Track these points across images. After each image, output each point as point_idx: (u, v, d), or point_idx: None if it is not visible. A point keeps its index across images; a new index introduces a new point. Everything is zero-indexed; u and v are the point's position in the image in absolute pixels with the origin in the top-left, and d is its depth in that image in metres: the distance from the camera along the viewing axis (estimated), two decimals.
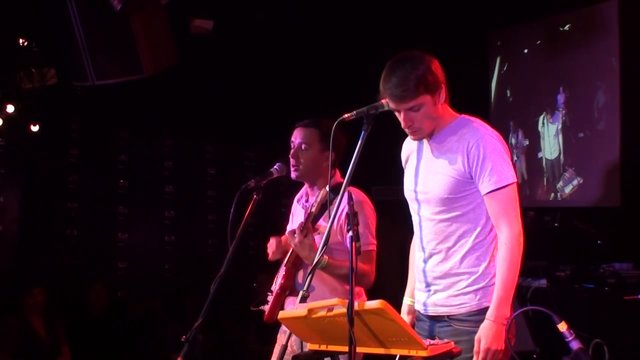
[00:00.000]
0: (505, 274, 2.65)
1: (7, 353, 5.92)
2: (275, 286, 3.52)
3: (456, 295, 2.75)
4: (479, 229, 2.75)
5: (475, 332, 2.68)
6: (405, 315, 2.98)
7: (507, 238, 2.67)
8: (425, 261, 2.85)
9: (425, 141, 2.87)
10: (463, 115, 2.84)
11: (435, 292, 2.80)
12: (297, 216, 3.65)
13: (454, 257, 2.76)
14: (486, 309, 2.69)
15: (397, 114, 2.75)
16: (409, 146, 2.99)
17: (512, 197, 2.69)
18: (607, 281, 5.01)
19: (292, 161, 3.48)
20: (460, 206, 2.74)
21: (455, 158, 2.73)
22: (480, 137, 2.71)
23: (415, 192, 2.86)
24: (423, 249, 2.86)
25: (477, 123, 2.81)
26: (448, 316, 2.77)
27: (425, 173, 2.83)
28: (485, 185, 2.69)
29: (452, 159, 2.74)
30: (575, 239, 5.66)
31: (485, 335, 2.61)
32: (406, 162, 2.98)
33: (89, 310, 6.78)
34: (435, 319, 2.82)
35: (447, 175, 2.74)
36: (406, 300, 3.02)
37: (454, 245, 2.76)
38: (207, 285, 2.95)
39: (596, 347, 2.44)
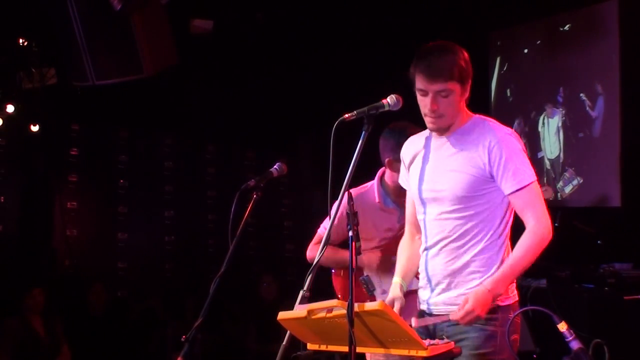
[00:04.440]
0: (519, 256, 2.67)
1: (7, 353, 5.92)
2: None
3: (466, 294, 2.71)
4: (492, 230, 2.75)
5: (484, 329, 2.70)
6: (398, 293, 2.85)
7: (535, 226, 2.69)
8: (432, 259, 2.83)
9: (434, 140, 2.86)
10: (478, 115, 2.85)
11: (443, 290, 2.78)
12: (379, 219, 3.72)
13: (465, 257, 2.75)
14: (495, 308, 2.70)
15: (421, 97, 2.73)
16: (414, 146, 2.96)
17: (537, 192, 2.73)
18: (607, 281, 5.01)
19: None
20: (476, 205, 2.74)
21: (475, 156, 2.73)
22: (501, 137, 2.73)
23: (426, 190, 2.83)
24: (431, 247, 2.84)
25: (494, 123, 2.82)
26: None
27: (437, 171, 2.81)
28: (509, 185, 2.70)
29: (471, 157, 2.73)
30: (575, 239, 5.66)
31: (474, 298, 2.60)
32: (411, 162, 2.95)
33: (89, 310, 6.78)
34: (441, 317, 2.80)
35: (466, 173, 2.73)
36: (397, 280, 2.91)
37: (465, 245, 2.75)
38: (207, 285, 2.95)
39: (596, 347, 2.43)
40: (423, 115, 2.79)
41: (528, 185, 2.70)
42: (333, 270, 3.89)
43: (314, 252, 3.77)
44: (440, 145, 2.83)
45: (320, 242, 3.77)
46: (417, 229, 2.98)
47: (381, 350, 2.56)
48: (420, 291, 2.93)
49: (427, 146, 2.89)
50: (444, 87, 2.68)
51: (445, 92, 2.69)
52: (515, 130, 6.58)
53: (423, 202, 2.86)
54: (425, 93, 2.72)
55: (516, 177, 2.69)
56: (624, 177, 5.69)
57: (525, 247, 2.68)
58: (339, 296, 3.82)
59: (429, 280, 2.85)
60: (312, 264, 3.69)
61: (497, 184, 2.73)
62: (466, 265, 2.75)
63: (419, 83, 2.72)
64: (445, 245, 2.79)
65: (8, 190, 7.23)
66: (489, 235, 2.75)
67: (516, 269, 2.68)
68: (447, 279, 2.79)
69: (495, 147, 2.70)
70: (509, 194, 2.72)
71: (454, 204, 2.75)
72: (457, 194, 2.74)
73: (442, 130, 2.80)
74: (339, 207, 2.65)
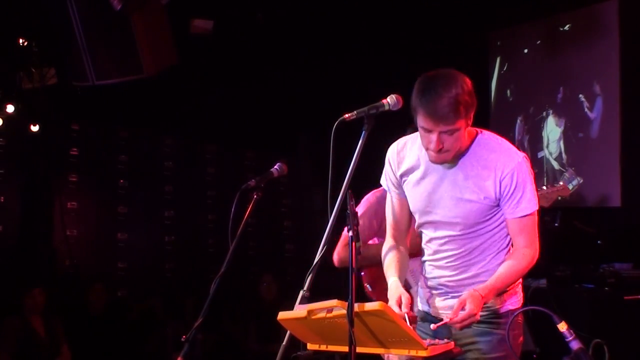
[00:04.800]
0: (510, 273, 2.69)
1: (7, 353, 5.92)
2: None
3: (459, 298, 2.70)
4: (500, 243, 2.79)
5: (496, 333, 2.73)
6: (401, 288, 2.77)
7: (527, 251, 2.72)
8: (436, 269, 2.85)
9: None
10: (479, 133, 2.76)
11: (453, 297, 2.78)
12: None
13: (472, 269, 2.78)
14: (507, 312, 2.74)
15: (425, 133, 2.63)
16: (406, 155, 2.87)
17: (535, 221, 2.76)
18: (607, 281, 5.01)
19: None
20: (485, 226, 2.76)
21: (486, 185, 2.70)
22: (513, 167, 2.69)
23: (435, 214, 2.80)
24: (436, 260, 2.85)
25: (501, 145, 2.75)
26: None
27: (447, 197, 2.75)
28: (512, 211, 2.72)
29: (482, 186, 2.71)
30: (575, 239, 5.66)
31: (474, 302, 2.57)
32: (405, 173, 2.86)
33: (89, 310, 6.78)
34: None
35: (478, 202, 2.72)
36: (395, 279, 2.81)
37: (473, 259, 2.78)
38: (207, 285, 2.95)
39: (596, 347, 2.43)
40: (425, 148, 2.69)
41: (530, 214, 2.72)
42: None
43: (345, 253, 3.73)
44: (446, 168, 2.75)
45: (347, 244, 3.75)
46: (402, 237, 2.95)
47: (381, 351, 2.56)
48: (422, 291, 2.94)
49: (428, 162, 2.77)
50: (450, 127, 2.58)
51: (450, 131, 2.59)
52: (514, 131, 6.61)
53: (429, 223, 2.84)
54: (429, 131, 2.61)
55: (520, 205, 2.70)
56: (624, 177, 5.70)
57: (516, 267, 2.71)
58: (366, 285, 3.82)
59: (432, 287, 2.87)
60: (344, 267, 3.70)
61: (501, 205, 2.73)
62: (474, 276, 2.77)
63: (423, 122, 2.60)
64: (452, 261, 2.81)
65: (8, 190, 7.22)
66: (496, 249, 2.78)
67: (505, 284, 2.71)
68: (453, 288, 2.81)
69: (506, 177, 2.69)
70: (511, 219, 2.74)
71: (464, 228, 2.76)
72: (470, 221, 2.75)
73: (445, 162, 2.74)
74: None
